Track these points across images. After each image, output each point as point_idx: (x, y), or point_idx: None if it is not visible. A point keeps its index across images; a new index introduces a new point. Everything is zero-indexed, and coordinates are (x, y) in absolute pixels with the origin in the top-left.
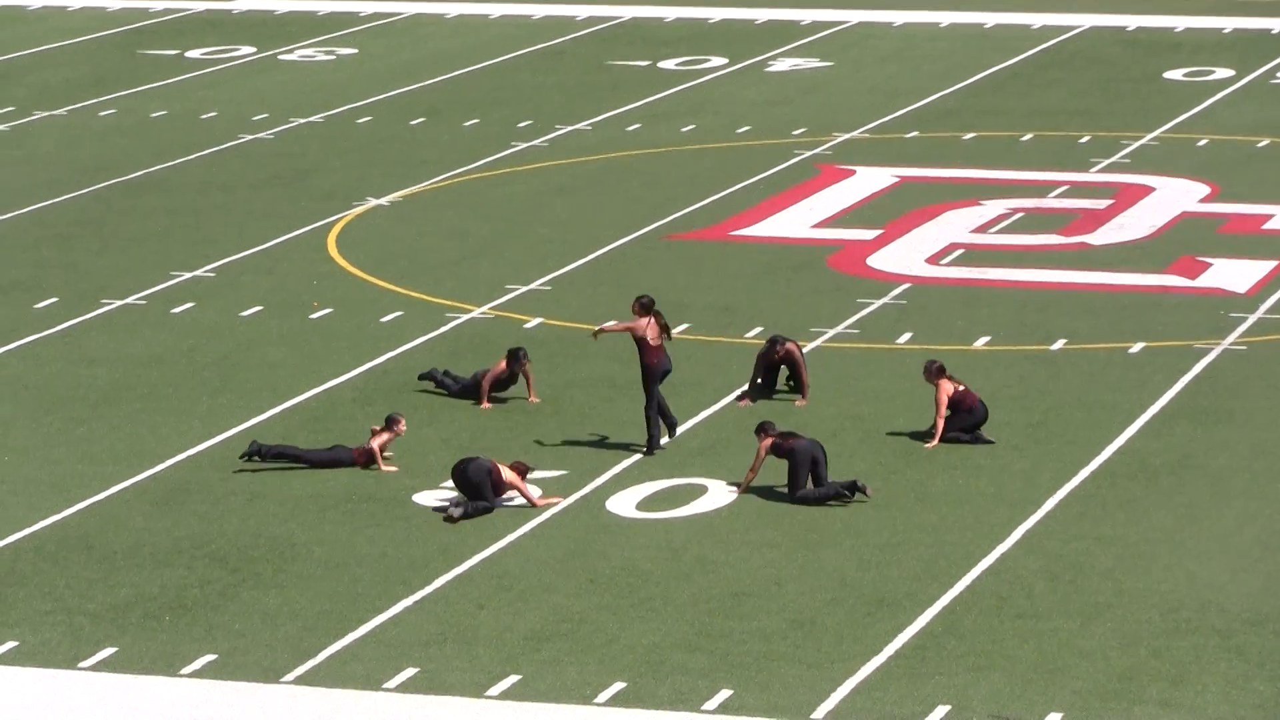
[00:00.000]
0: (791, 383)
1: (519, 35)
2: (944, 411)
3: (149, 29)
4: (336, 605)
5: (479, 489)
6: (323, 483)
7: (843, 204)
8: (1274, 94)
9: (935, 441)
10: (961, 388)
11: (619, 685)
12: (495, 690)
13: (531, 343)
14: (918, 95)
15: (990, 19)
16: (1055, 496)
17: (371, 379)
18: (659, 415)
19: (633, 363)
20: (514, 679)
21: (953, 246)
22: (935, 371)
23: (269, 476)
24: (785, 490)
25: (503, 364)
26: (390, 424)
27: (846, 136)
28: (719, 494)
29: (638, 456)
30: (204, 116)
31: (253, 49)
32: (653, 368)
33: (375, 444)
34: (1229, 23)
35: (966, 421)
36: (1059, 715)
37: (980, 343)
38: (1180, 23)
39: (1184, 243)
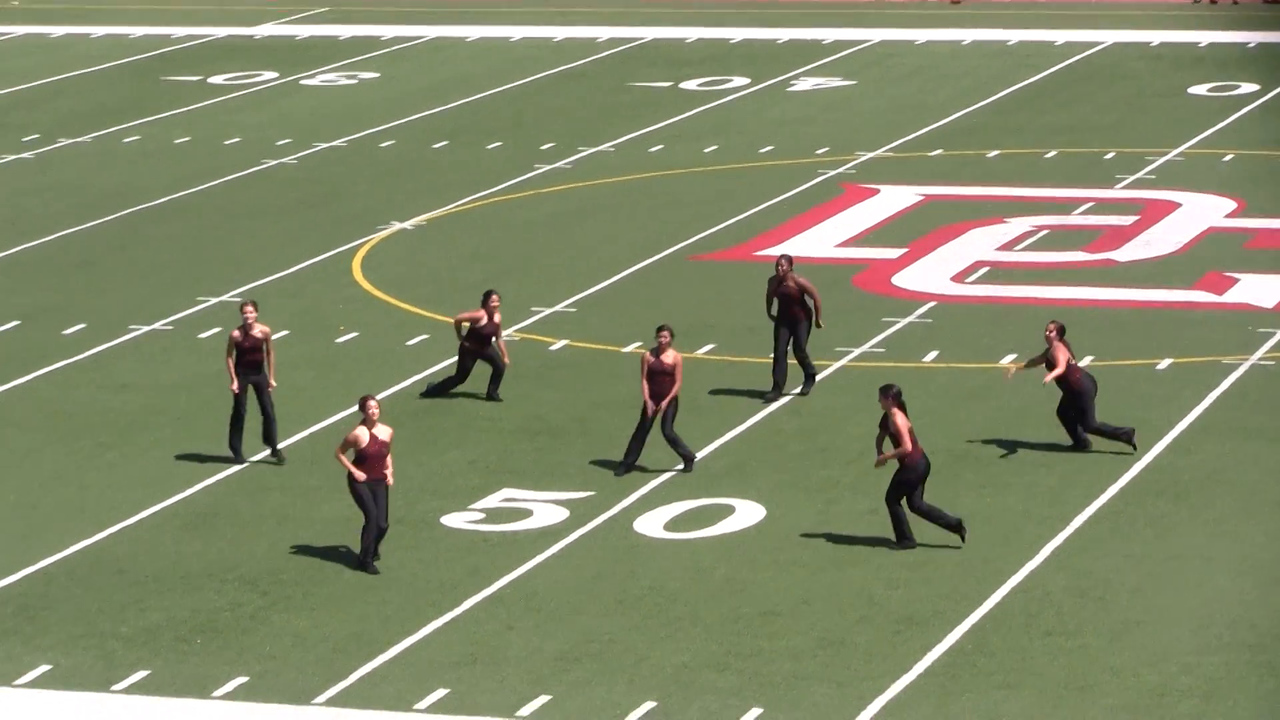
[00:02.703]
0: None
1: (541, 57)
2: (906, 442)
3: (172, 55)
4: (367, 627)
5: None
6: (351, 506)
7: (867, 223)
8: None
9: (879, 460)
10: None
11: (649, 705)
12: (525, 711)
13: (558, 365)
14: (941, 113)
15: (1013, 36)
16: (1084, 514)
17: (397, 402)
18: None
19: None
20: (544, 699)
21: (978, 264)
22: (893, 397)
23: (298, 499)
24: (821, 511)
25: (480, 311)
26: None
27: (870, 155)
28: (747, 514)
29: (666, 476)
30: (228, 142)
31: (275, 74)
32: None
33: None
34: (1253, 37)
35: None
36: None
37: (1006, 360)
38: (1204, 38)
39: (1210, 258)
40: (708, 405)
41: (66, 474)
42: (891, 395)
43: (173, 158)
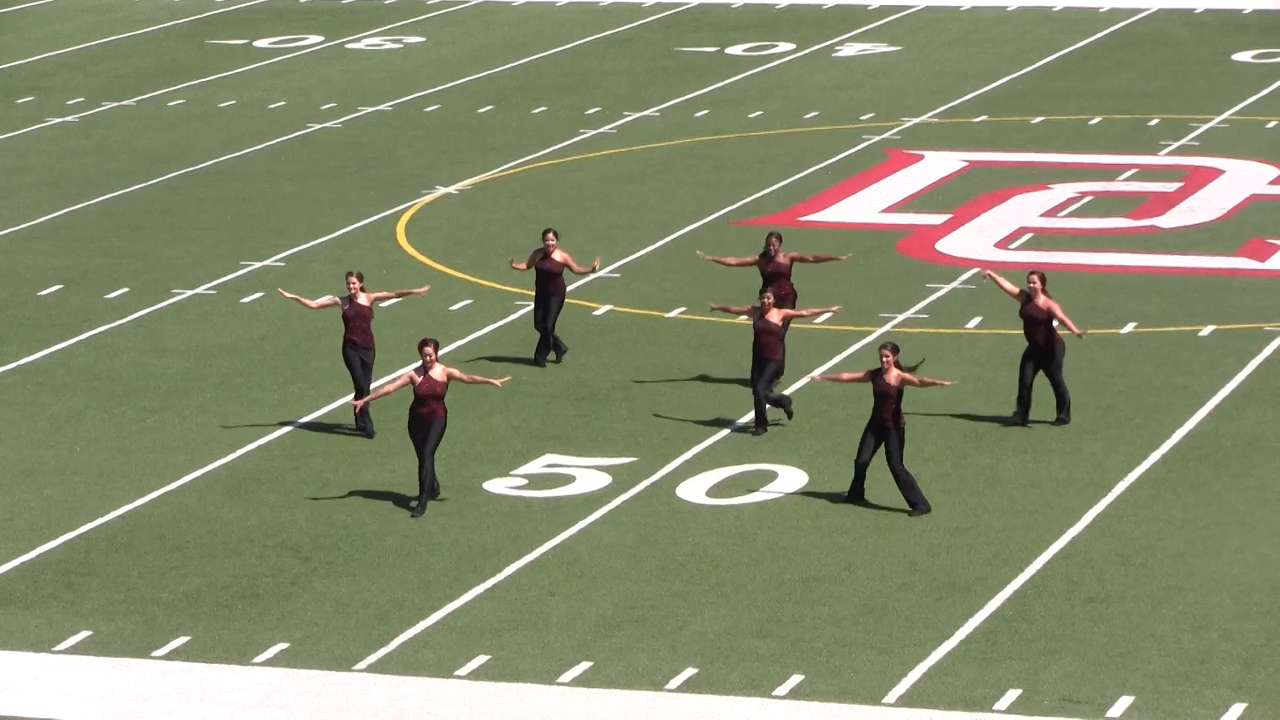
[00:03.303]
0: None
1: (587, 22)
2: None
3: (217, 19)
4: (408, 593)
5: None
6: (393, 471)
7: (911, 189)
8: None
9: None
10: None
11: (690, 671)
12: (566, 677)
13: (602, 329)
14: (986, 79)
15: (1058, 2)
16: (1126, 480)
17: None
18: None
19: (703, 349)
20: (585, 665)
21: (1022, 230)
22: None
23: (340, 465)
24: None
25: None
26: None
27: (915, 121)
28: (789, 480)
29: (709, 443)
30: (272, 106)
31: (320, 38)
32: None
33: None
34: None
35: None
36: (1130, 699)
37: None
38: (1249, 4)
39: (1254, 225)
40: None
41: (108, 438)
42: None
43: (217, 121)
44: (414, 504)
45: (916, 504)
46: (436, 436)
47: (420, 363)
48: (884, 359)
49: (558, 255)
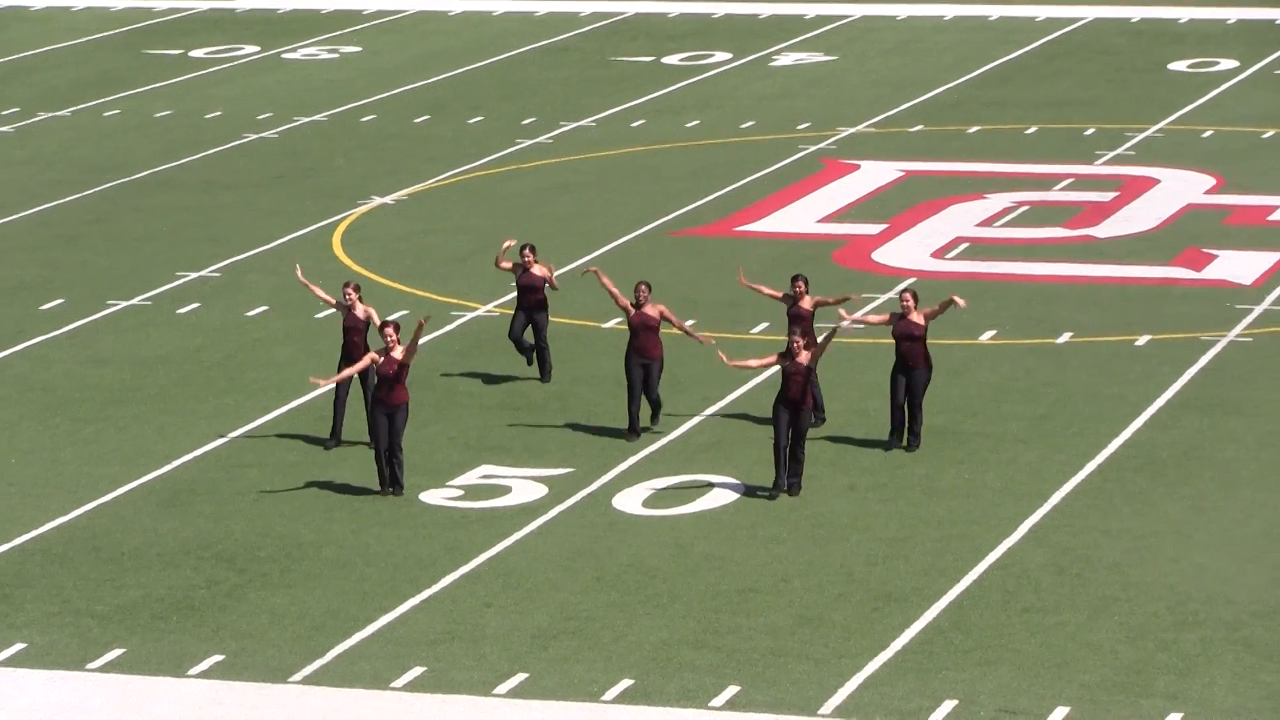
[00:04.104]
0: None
1: (523, 31)
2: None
3: (153, 28)
4: (344, 604)
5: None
6: (329, 482)
7: (848, 198)
8: (1279, 84)
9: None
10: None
11: (626, 682)
12: (503, 689)
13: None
14: (922, 88)
15: (994, 11)
16: (1062, 490)
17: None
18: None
19: None
20: (521, 677)
21: (958, 240)
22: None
23: (276, 476)
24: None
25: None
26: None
27: (851, 130)
28: (726, 490)
29: (645, 453)
30: (209, 115)
31: (257, 48)
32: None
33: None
34: (1233, 13)
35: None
36: (1066, 709)
37: (986, 336)
38: (1185, 14)
39: (1190, 234)
40: (688, 381)
41: (43, 450)
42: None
43: (153, 131)
44: (393, 491)
45: (915, 439)
46: (403, 421)
47: (383, 345)
48: (905, 303)
49: (537, 270)
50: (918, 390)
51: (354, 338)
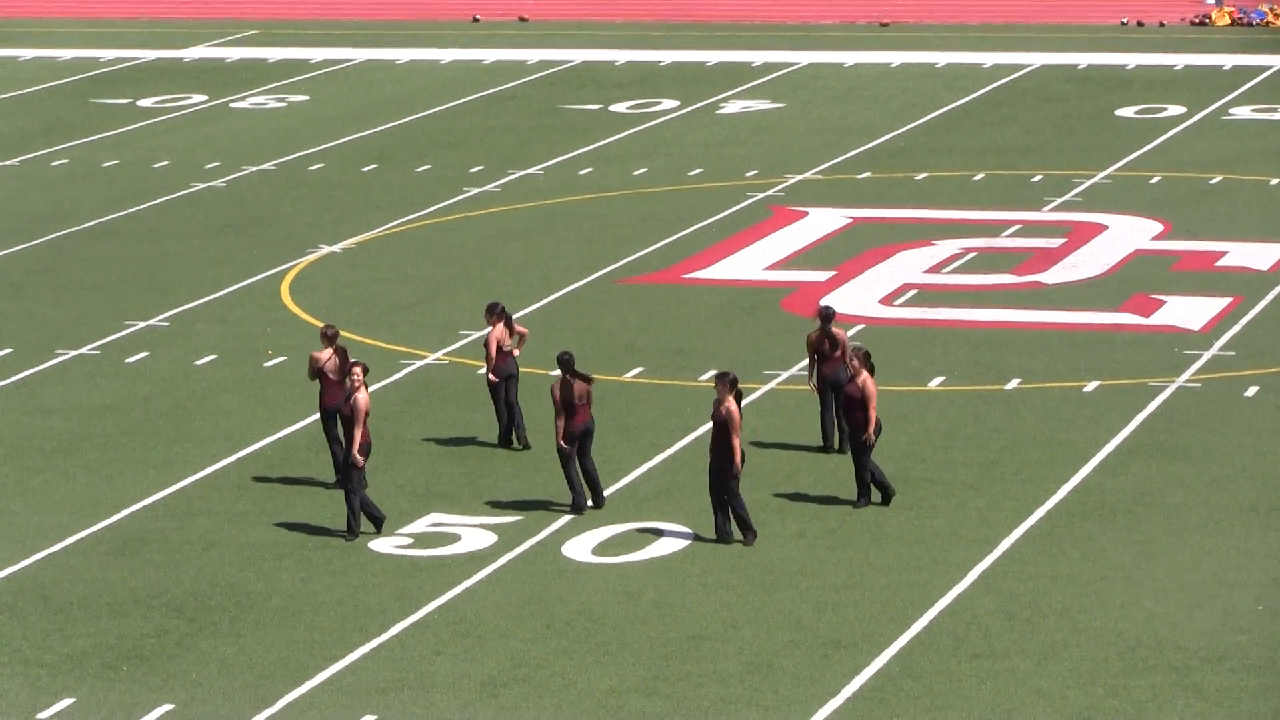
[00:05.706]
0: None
1: (470, 80)
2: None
3: (101, 78)
4: (294, 653)
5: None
6: (278, 530)
7: (796, 245)
8: (1226, 130)
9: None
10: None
11: None
12: None
13: (485, 387)
14: (869, 135)
15: (942, 58)
16: (1012, 536)
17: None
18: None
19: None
20: None
21: (906, 287)
22: (730, 384)
23: (225, 524)
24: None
25: (499, 326)
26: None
27: (799, 178)
28: (675, 537)
29: (592, 502)
30: (156, 165)
31: (204, 97)
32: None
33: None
34: (1180, 60)
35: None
36: None
37: (935, 383)
38: (1131, 60)
39: (1137, 280)
40: (636, 429)
41: None
42: (729, 382)
43: (101, 181)
44: (346, 537)
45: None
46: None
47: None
48: (852, 365)
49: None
50: (857, 449)
51: (328, 380)
